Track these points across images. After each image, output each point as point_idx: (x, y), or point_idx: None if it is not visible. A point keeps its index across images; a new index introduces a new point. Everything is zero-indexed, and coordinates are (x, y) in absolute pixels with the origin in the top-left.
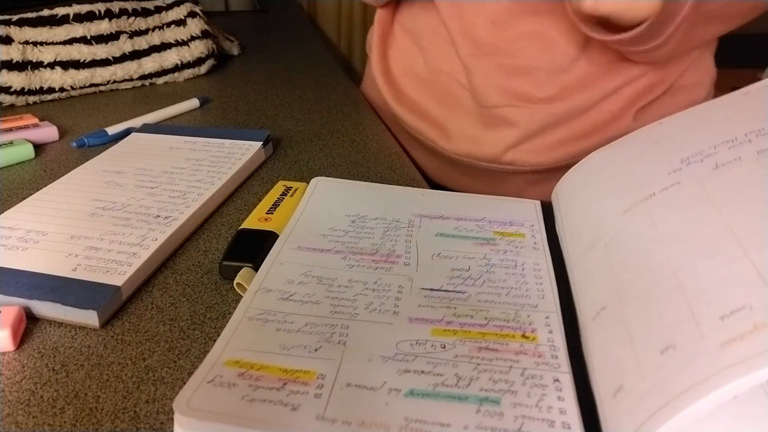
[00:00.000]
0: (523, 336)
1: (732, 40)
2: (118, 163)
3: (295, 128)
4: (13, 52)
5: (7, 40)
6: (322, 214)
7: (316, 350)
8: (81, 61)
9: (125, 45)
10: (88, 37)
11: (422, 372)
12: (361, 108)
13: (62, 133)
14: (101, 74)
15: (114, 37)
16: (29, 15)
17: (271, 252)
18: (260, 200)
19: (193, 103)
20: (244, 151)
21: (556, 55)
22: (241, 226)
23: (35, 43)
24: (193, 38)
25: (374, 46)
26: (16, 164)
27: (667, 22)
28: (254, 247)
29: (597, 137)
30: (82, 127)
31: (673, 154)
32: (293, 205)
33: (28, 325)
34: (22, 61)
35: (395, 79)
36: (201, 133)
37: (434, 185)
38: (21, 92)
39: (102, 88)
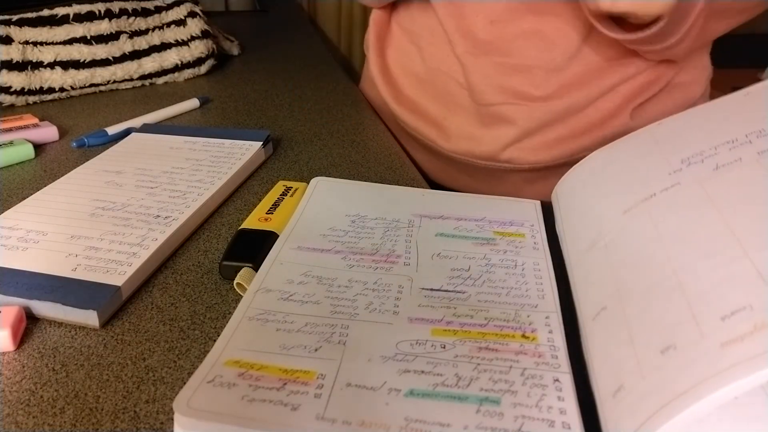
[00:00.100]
0: (523, 336)
1: (732, 40)
2: (118, 163)
3: (295, 128)
4: (13, 52)
5: (7, 40)
6: (322, 214)
7: (316, 350)
8: (81, 61)
9: (125, 45)
10: (88, 37)
11: (422, 372)
12: (360, 108)
13: (62, 133)
14: (101, 74)
15: (114, 37)
16: (29, 15)
17: (271, 252)
18: (260, 200)
19: (193, 103)
20: (244, 151)
21: (554, 54)
22: (241, 226)
23: (35, 43)
24: (193, 38)
25: (371, 46)
26: (16, 164)
27: (684, 18)
28: (254, 247)
29: (594, 135)
30: (82, 127)
31: (674, 154)
32: (293, 205)
33: (28, 325)
34: (22, 61)
35: (394, 79)
36: (201, 133)
37: (433, 184)
38: (21, 92)
39: (102, 88)
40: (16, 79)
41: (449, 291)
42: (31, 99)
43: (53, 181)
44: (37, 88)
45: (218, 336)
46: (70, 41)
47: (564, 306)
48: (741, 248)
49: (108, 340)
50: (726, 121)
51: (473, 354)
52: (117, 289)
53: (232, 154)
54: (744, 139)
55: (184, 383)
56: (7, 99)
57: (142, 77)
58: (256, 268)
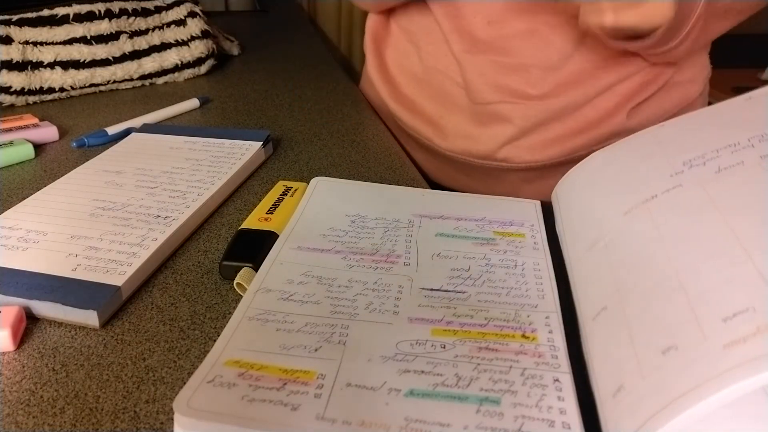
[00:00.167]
0: (523, 336)
1: (732, 40)
2: (118, 163)
3: (295, 128)
4: (13, 52)
5: (7, 40)
6: (322, 214)
7: (316, 350)
8: (81, 61)
9: (125, 45)
10: (88, 37)
11: (422, 372)
12: (360, 108)
13: (62, 133)
14: (101, 74)
15: (114, 37)
16: (29, 15)
17: (271, 252)
18: (260, 200)
19: (193, 103)
20: (244, 151)
21: (551, 53)
22: (241, 226)
23: (35, 43)
24: (193, 38)
25: (369, 45)
26: (16, 164)
27: (683, 23)
28: (254, 247)
29: (591, 134)
30: (82, 127)
31: (675, 156)
32: (293, 205)
33: (28, 325)
34: (22, 61)
35: (392, 78)
36: (201, 133)
37: (431, 184)
38: (21, 92)
39: (102, 88)
40: (16, 79)
41: (449, 291)
42: (31, 99)
43: (53, 181)
44: (37, 88)
45: (218, 336)
46: (70, 41)
47: (564, 306)
48: (743, 250)
49: (108, 340)
50: (728, 125)
51: (473, 354)
52: (117, 289)
53: (232, 154)
54: (746, 143)
55: (184, 383)
56: (7, 99)
57: (142, 77)
58: (256, 268)
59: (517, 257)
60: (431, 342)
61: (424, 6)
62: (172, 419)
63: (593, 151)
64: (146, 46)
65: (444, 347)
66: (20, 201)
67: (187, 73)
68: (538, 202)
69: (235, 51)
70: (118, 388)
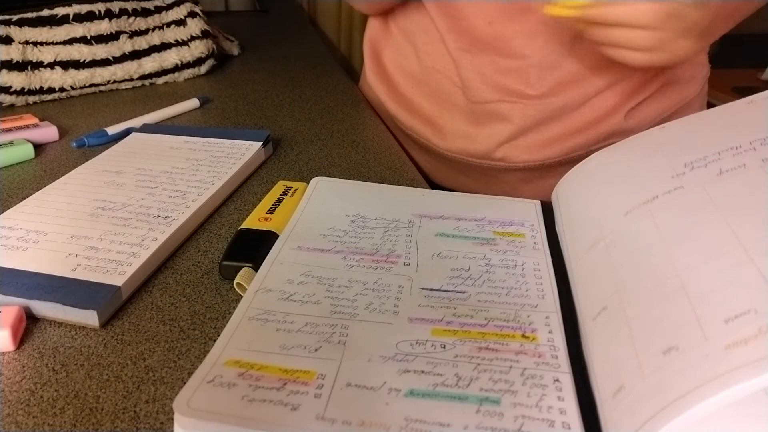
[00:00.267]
0: (523, 336)
1: (732, 40)
2: (118, 163)
3: (295, 128)
4: (13, 52)
5: (7, 40)
6: (322, 214)
7: (316, 350)
8: (81, 61)
9: (125, 45)
10: (88, 37)
11: (422, 372)
12: (360, 108)
13: (62, 133)
14: (101, 74)
15: (114, 37)
16: (29, 15)
17: (271, 252)
18: (260, 200)
19: (193, 103)
20: (244, 151)
21: (549, 52)
22: (241, 226)
23: (35, 43)
24: (193, 38)
25: (368, 45)
26: (16, 164)
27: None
28: (254, 247)
29: (589, 134)
30: (82, 127)
31: (677, 158)
32: (293, 205)
33: (28, 325)
34: (22, 61)
35: (390, 78)
36: (201, 133)
37: (430, 184)
38: (21, 92)
39: (102, 88)
40: (16, 79)
41: (449, 291)
42: (31, 99)
43: (53, 181)
44: (37, 88)
45: (218, 336)
46: (70, 41)
47: (564, 306)
48: (745, 252)
49: (108, 340)
50: (730, 128)
51: (473, 354)
52: (117, 289)
53: (232, 154)
54: (748, 146)
55: (184, 383)
56: (7, 99)
57: (142, 77)
58: (256, 268)
59: (517, 257)
60: (431, 342)
61: (421, 5)
62: (172, 419)
63: (591, 151)
64: (146, 46)
65: (444, 347)
66: (20, 201)
67: (187, 73)
68: (538, 202)
69: (235, 51)
70: (118, 388)
